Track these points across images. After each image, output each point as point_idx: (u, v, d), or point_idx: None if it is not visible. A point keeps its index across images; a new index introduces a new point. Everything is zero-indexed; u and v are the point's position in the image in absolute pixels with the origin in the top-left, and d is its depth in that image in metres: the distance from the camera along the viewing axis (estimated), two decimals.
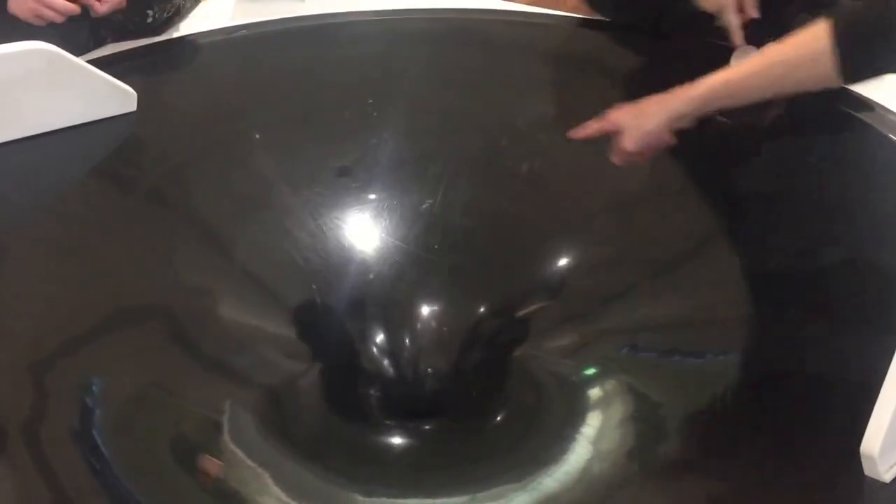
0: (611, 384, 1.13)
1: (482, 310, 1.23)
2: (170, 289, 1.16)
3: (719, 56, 1.20)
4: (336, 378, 1.18)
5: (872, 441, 0.88)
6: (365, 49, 1.60)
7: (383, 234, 1.23)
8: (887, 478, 0.89)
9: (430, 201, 1.25)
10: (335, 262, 1.21)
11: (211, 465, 1.02)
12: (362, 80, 1.42)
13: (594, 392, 1.13)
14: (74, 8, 1.38)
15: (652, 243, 1.21)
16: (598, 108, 1.13)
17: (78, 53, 1.36)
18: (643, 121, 1.08)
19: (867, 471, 0.89)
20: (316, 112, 1.41)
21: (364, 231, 1.24)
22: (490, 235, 1.25)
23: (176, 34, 1.60)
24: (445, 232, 1.23)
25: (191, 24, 1.62)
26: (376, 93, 1.39)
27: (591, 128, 1.12)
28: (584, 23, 1.47)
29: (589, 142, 1.27)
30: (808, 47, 1.03)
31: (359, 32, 1.66)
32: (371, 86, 1.41)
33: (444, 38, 1.62)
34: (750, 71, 1.07)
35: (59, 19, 1.41)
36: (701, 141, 1.25)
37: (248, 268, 1.20)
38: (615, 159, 1.11)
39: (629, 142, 1.08)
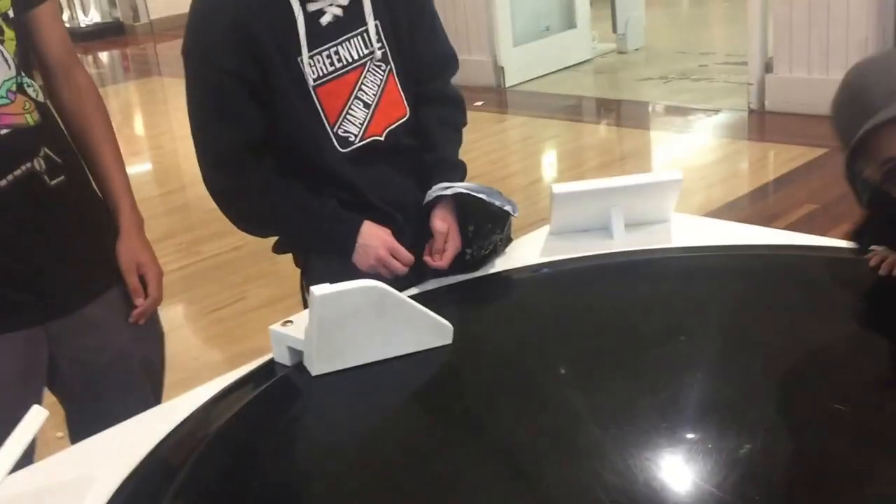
0: None
1: None
2: None
3: None
4: None
5: None
6: (676, 284, 1.59)
7: (696, 479, 1.14)
8: None
9: (749, 446, 1.17)
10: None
11: None
12: (672, 315, 1.39)
13: None
14: (412, 259, 1.52)
15: None
16: None
17: (401, 289, 1.45)
18: None
19: None
20: (623, 347, 1.40)
21: (676, 475, 1.17)
22: (821, 487, 1.13)
23: (491, 270, 1.67)
24: (768, 481, 1.13)
25: (504, 262, 1.69)
26: (687, 329, 1.35)
27: None
28: None
29: None
30: None
31: (668, 268, 1.66)
32: (681, 321, 1.37)
33: (759, 275, 1.58)
34: None
35: (402, 271, 1.56)
36: None
37: None
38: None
39: None
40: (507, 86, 5.85)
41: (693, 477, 1.15)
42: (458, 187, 1.63)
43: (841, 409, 1.22)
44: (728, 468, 1.14)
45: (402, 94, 1.68)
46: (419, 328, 1.42)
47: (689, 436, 1.21)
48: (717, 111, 5.01)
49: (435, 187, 1.64)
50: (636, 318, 1.48)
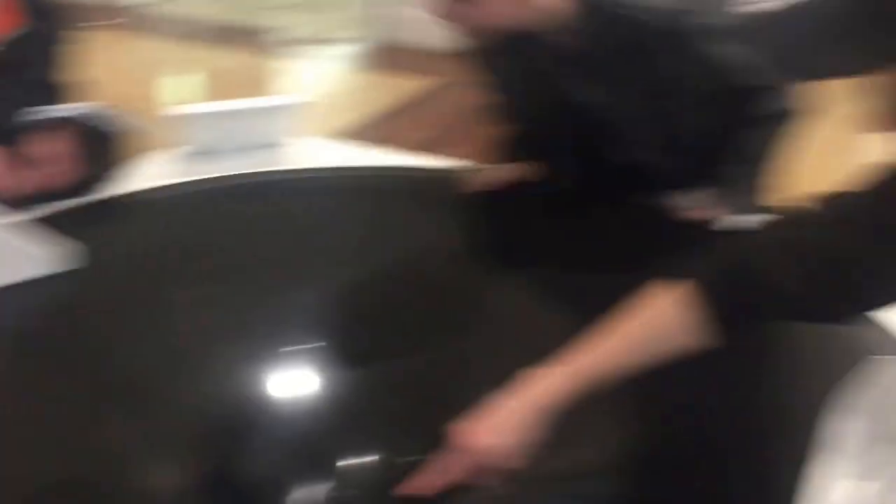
0: None
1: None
2: (94, 458, 1.13)
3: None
4: None
5: None
6: (284, 206, 1.64)
7: (317, 389, 1.22)
8: None
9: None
10: (267, 423, 1.19)
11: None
12: (286, 235, 1.44)
13: None
14: None
15: None
16: None
17: None
18: (504, 439, 0.93)
19: None
20: (239, 267, 1.43)
21: (292, 384, 1.24)
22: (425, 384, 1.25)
23: (108, 194, 1.62)
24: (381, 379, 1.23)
25: (123, 185, 1.65)
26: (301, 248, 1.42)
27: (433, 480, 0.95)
28: None
29: None
30: (671, 318, 0.94)
31: (279, 190, 1.70)
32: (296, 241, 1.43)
33: (359, 194, 1.66)
34: (612, 357, 0.96)
35: None
36: None
37: (181, 433, 1.18)
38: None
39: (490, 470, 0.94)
40: (135, 5, 5.58)
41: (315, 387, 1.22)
42: (61, 111, 1.57)
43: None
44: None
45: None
46: (17, 256, 1.33)
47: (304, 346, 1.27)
48: (342, 41, 5.13)
49: (32, 110, 1.56)
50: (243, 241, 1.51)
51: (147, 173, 1.71)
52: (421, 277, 1.41)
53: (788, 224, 0.97)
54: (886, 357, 1.12)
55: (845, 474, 0.97)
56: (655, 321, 0.97)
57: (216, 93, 4.48)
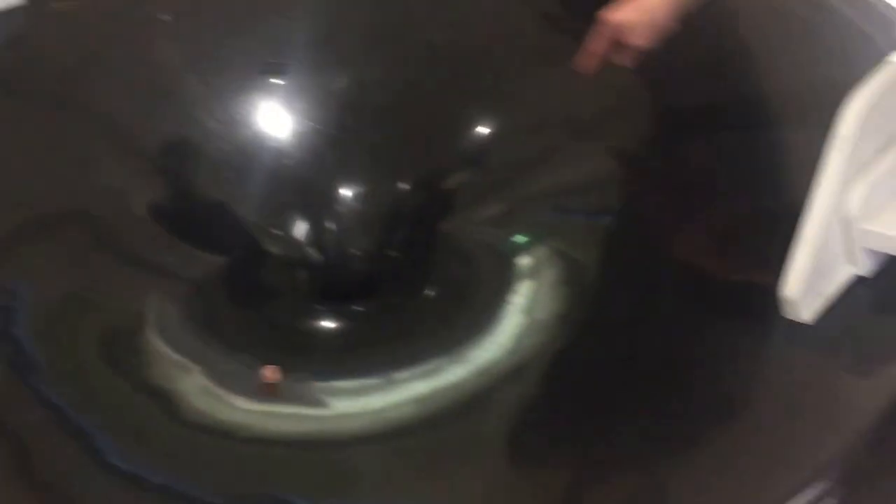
0: (540, 250, 1.12)
1: (405, 186, 1.20)
2: (84, 191, 1.13)
3: None
4: (261, 267, 1.16)
5: (793, 284, 0.89)
6: None
7: (298, 117, 1.19)
8: (808, 318, 0.90)
9: (344, 79, 1.21)
10: (250, 150, 1.17)
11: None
12: None
13: (524, 260, 1.12)
14: None
15: (573, 103, 1.18)
16: None
17: None
18: (653, 15, 1.00)
19: (789, 314, 0.90)
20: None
21: (277, 115, 1.20)
22: (408, 109, 1.21)
23: None
24: (362, 110, 1.20)
25: None
26: None
27: (599, 45, 1.03)
28: None
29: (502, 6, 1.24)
30: None
31: None
32: None
33: None
34: None
35: None
36: None
37: (159, 162, 1.17)
38: (628, 62, 1.03)
39: (642, 39, 1.01)
40: None
41: (294, 115, 1.19)
42: None
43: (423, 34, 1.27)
44: (325, 103, 1.19)
45: None
46: None
47: (287, 79, 1.23)
48: None
49: None
50: None
51: None
52: None
53: None
54: None
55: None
56: None
57: None
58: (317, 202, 1.18)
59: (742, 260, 1.02)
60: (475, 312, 1.09)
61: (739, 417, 0.86)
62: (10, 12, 1.19)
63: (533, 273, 1.11)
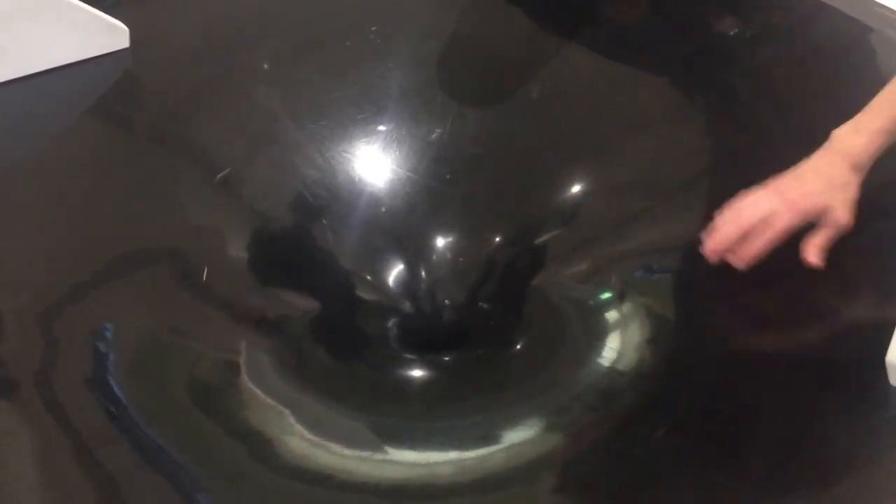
0: (627, 307, 1.12)
1: (497, 239, 1.20)
2: (176, 230, 1.13)
3: None
4: (353, 314, 1.16)
5: None
6: None
7: (393, 166, 1.20)
8: None
9: (440, 130, 1.22)
10: (345, 197, 1.18)
11: None
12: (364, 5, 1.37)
13: (611, 315, 1.12)
14: None
15: (665, 164, 1.18)
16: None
17: None
18: (846, 192, 0.93)
19: (893, 381, 0.88)
20: (317, 42, 1.36)
21: (373, 164, 1.21)
22: (502, 163, 1.22)
23: None
24: (457, 161, 1.21)
25: None
26: (379, 20, 1.34)
27: (782, 231, 0.93)
28: None
29: (600, 64, 1.25)
30: None
31: None
32: (374, 12, 1.36)
33: None
34: None
35: None
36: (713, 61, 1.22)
37: (255, 206, 1.18)
38: (819, 252, 0.93)
39: (846, 216, 0.93)
40: None
41: (390, 164, 1.20)
42: None
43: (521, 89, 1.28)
44: (421, 152, 1.20)
45: None
46: (88, 31, 1.27)
47: (384, 127, 1.24)
48: None
49: None
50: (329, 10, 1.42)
51: None
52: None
53: None
54: None
55: None
56: None
57: None
58: (410, 251, 1.18)
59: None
60: (564, 366, 1.09)
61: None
62: (119, 53, 1.20)
63: (620, 328, 1.11)
